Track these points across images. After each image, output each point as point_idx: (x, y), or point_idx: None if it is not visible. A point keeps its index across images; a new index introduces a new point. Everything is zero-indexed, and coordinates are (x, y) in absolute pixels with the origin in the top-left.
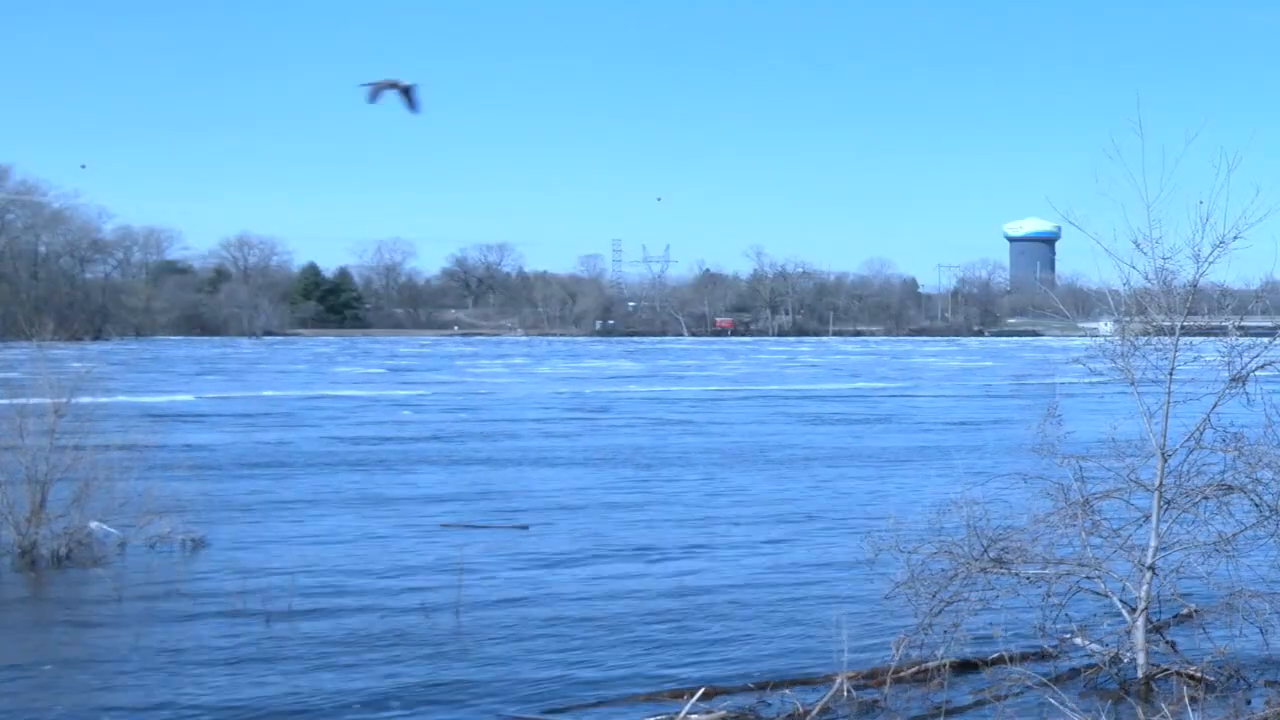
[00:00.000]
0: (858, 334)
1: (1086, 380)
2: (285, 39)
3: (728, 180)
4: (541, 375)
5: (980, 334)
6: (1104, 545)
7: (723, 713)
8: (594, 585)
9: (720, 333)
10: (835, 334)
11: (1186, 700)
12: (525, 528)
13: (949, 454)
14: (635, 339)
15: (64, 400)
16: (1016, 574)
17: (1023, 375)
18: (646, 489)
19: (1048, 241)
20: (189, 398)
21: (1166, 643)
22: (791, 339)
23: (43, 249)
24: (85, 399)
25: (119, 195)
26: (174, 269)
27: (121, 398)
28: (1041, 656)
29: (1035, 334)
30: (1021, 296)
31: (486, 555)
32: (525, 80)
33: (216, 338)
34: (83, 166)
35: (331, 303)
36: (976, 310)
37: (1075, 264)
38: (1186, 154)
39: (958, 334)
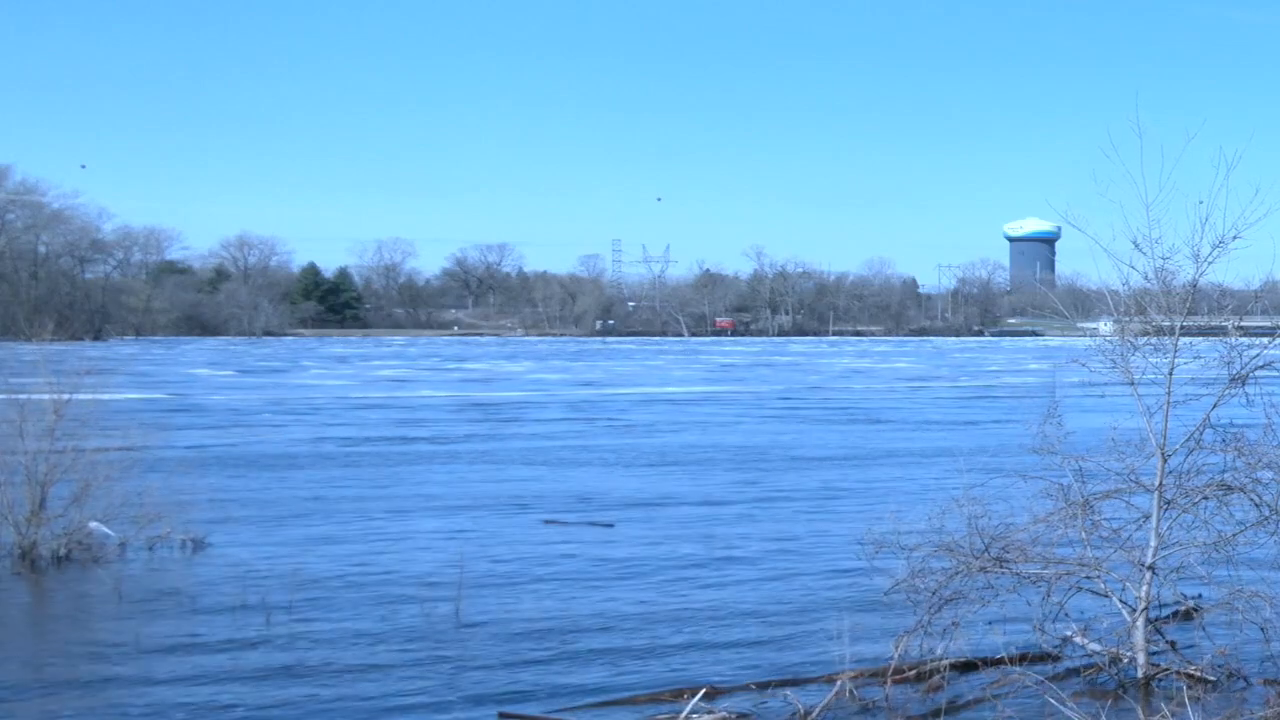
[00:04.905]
0: (858, 334)
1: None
2: (285, 39)
3: (728, 180)
4: (378, 379)
5: (980, 334)
6: (1104, 545)
7: (724, 713)
8: (591, 584)
9: (720, 333)
10: (835, 334)
11: (1186, 700)
12: (611, 525)
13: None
14: (633, 339)
15: (64, 400)
16: (1017, 573)
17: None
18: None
19: (1048, 241)
20: None
21: (1167, 642)
22: (758, 339)
23: (43, 249)
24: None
25: (119, 195)
26: (174, 269)
27: None
28: (1041, 656)
29: (1035, 334)
30: (1021, 296)
31: (482, 554)
32: (525, 80)
33: (209, 338)
34: (83, 166)
35: (331, 303)
36: (976, 310)
37: (1075, 264)
38: (1185, 154)
39: (958, 334)
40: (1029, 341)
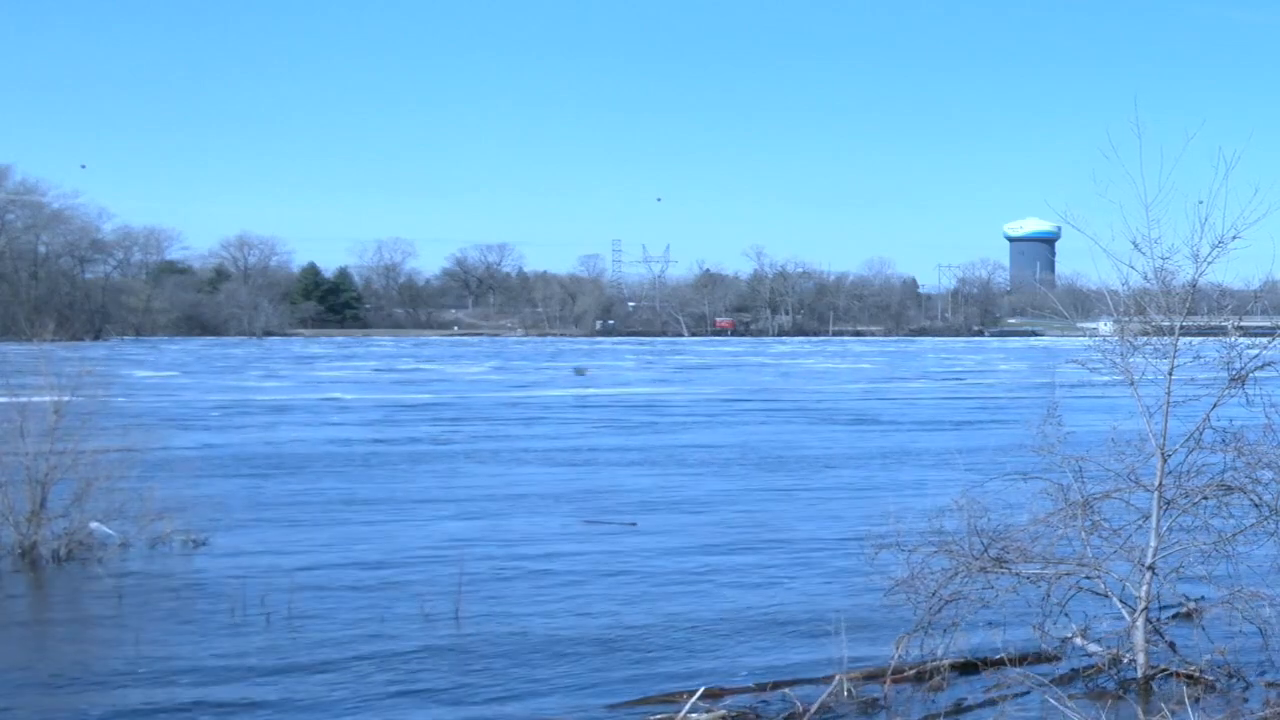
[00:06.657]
0: (858, 334)
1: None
2: (285, 39)
3: (728, 180)
4: (308, 379)
5: (980, 334)
6: (1104, 545)
7: (723, 712)
8: (592, 585)
9: (720, 333)
10: (835, 334)
11: (1186, 700)
12: (634, 524)
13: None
14: (632, 339)
15: (64, 400)
16: (1016, 574)
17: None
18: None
19: (1048, 241)
20: None
21: (1166, 643)
22: (749, 340)
23: (43, 249)
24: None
25: (119, 195)
26: (174, 269)
27: None
28: (1041, 657)
29: (1035, 334)
30: (1021, 296)
31: (478, 554)
32: (525, 80)
33: (209, 338)
34: (83, 166)
35: (331, 303)
36: (976, 310)
37: (1075, 264)
38: (1185, 154)
39: (958, 334)
40: (1019, 341)
